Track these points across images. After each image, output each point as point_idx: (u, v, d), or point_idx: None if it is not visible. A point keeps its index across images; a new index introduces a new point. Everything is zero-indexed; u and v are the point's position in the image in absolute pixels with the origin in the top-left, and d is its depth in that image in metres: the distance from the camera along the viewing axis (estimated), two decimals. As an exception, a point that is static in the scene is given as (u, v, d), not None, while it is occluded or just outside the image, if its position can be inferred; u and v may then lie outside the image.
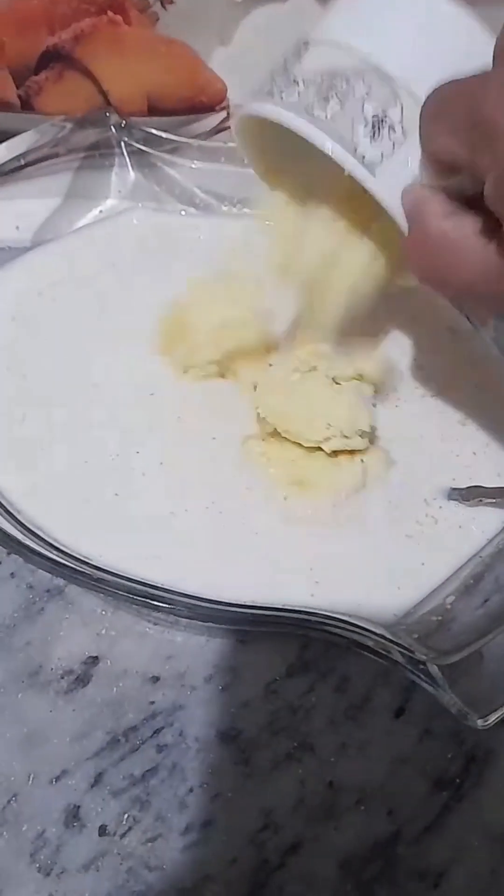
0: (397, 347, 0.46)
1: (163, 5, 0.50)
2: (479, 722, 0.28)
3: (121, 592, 0.32)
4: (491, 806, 0.35)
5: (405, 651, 0.29)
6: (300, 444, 0.38)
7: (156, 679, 0.36)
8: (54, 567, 0.32)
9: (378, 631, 0.30)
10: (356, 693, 0.36)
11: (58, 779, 0.34)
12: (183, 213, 0.54)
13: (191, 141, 0.51)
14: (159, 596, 0.31)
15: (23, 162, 0.47)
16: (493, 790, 0.35)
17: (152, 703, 0.36)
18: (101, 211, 0.52)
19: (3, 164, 0.47)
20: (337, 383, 0.38)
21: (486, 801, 0.35)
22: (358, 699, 0.36)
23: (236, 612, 0.32)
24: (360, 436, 0.37)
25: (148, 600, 0.31)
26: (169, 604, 0.31)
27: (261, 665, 0.37)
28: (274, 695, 0.36)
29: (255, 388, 0.41)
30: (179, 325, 0.43)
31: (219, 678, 0.36)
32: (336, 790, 0.35)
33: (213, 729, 0.35)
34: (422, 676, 0.29)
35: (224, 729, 0.35)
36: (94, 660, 0.36)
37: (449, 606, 0.33)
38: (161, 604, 0.31)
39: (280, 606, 0.32)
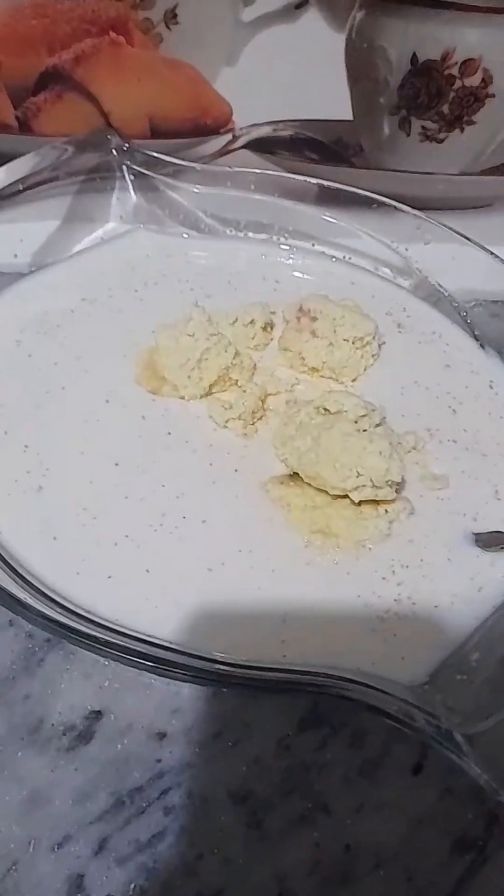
0: (425, 394, 0.44)
1: (167, 26, 0.49)
2: (511, 797, 0.26)
3: (114, 652, 0.30)
4: (515, 869, 0.33)
5: (429, 717, 0.27)
6: (323, 490, 0.37)
7: (162, 735, 0.34)
8: (49, 625, 0.30)
9: (400, 695, 0.28)
10: (372, 748, 0.35)
11: (60, 845, 0.32)
12: (185, 235, 0.52)
13: (194, 165, 0.50)
14: (160, 657, 0.29)
15: (21, 187, 0.46)
16: (518, 852, 0.34)
17: (159, 761, 0.34)
18: (102, 236, 0.51)
19: (3, 188, 0.46)
20: (364, 429, 0.36)
21: (510, 864, 0.33)
22: (374, 755, 0.35)
23: (245, 673, 0.30)
24: (389, 486, 0.35)
25: (147, 662, 0.29)
26: (170, 667, 0.29)
27: (271, 719, 0.35)
28: (286, 751, 0.34)
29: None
30: (155, 370, 0.42)
31: (228, 734, 0.35)
32: (353, 854, 0.33)
33: (222, 789, 0.34)
34: (446, 745, 0.27)
35: (234, 789, 0.34)
36: (97, 714, 0.35)
37: (474, 664, 0.31)
38: (161, 667, 0.29)
39: (294, 668, 0.30)
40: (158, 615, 0.32)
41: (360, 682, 0.29)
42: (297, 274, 0.50)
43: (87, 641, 0.29)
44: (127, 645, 0.29)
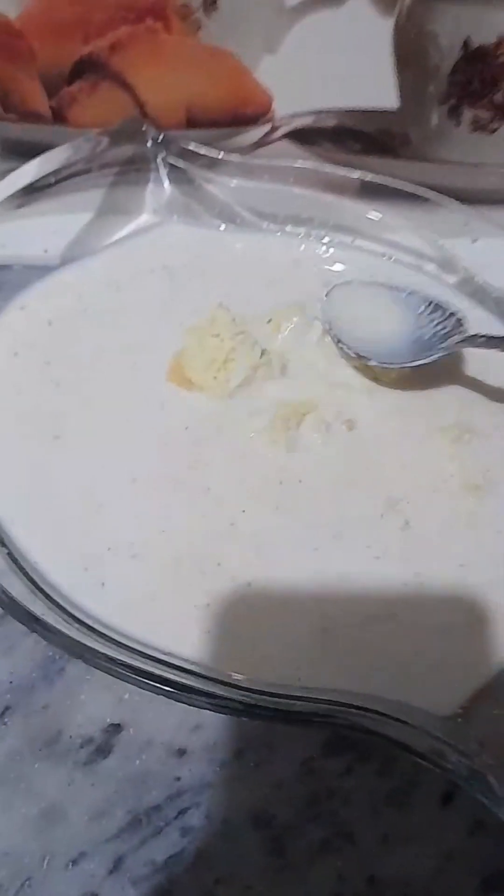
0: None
1: (206, 12, 0.47)
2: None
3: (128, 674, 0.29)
4: (548, 911, 0.31)
5: (461, 756, 0.26)
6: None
7: (182, 752, 0.33)
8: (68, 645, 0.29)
9: (428, 728, 0.27)
10: (400, 776, 0.33)
11: (74, 862, 0.31)
12: (222, 227, 0.51)
13: (231, 157, 0.48)
14: (179, 683, 0.28)
15: (54, 180, 0.45)
16: (551, 893, 0.32)
17: (178, 779, 0.33)
18: (134, 229, 0.50)
19: (36, 181, 0.45)
20: None
21: (543, 905, 0.31)
22: (402, 783, 0.33)
23: (257, 700, 0.29)
24: None
25: (159, 686, 0.28)
26: (187, 692, 0.28)
27: (296, 740, 0.34)
28: (310, 775, 0.33)
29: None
30: (183, 371, 0.41)
31: (250, 754, 0.33)
32: (377, 887, 0.31)
33: (243, 811, 0.32)
34: (477, 786, 0.26)
35: (256, 812, 0.32)
36: (116, 728, 0.34)
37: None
38: (179, 692, 0.28)
39: (310, 697, 0.29)
40: (178, 632, 0.31)
41: (384, 713, 0.27)
42: (336, 270, 0.48)
43: (101, 661, 0.29)
44: (141, 666, 0.28)
